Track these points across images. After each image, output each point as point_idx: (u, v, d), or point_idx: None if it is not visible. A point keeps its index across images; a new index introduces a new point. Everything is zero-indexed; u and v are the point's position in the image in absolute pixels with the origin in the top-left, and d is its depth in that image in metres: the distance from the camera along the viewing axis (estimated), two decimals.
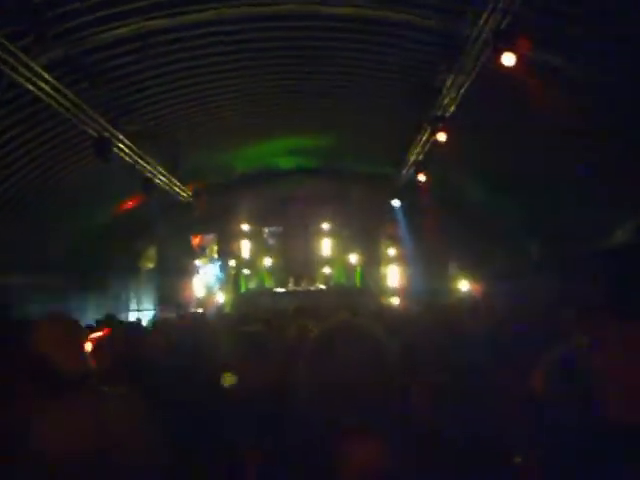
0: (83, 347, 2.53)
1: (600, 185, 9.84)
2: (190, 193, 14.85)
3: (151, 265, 17.47)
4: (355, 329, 1.68)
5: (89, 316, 9.96)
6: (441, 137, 9.83)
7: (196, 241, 17.32)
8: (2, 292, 10.55)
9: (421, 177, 12.18)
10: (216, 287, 17.01)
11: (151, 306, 16.80)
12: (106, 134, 9.51)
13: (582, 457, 1.61)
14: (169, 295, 16.54)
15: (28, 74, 7.36)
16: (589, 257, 10.77)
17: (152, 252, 17.43)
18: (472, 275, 15.04)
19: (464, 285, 15.23)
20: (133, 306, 16.86)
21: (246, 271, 17.31)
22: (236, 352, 3.32)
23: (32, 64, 7.30)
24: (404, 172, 13.35)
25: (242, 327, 4.51)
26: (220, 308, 15.92)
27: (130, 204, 13.94)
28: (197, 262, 17.09)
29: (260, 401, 2.97)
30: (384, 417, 1.55)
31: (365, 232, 16.75)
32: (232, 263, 17.28)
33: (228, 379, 3.15)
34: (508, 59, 7.13)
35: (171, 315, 11.99)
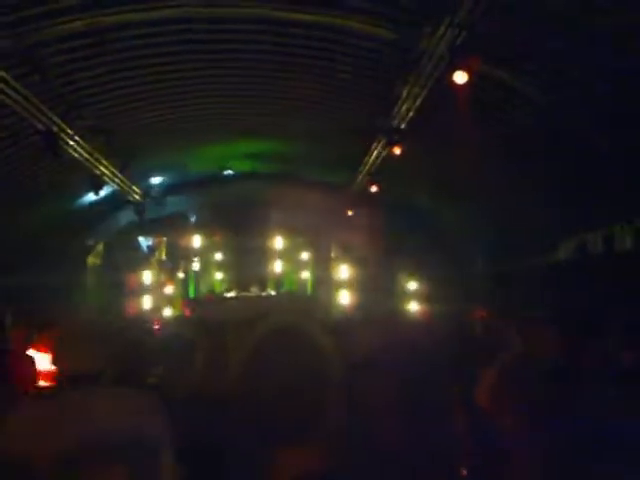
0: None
1: (546, 201, 10.13)
2: (141, 193, 14.61)
3: (98, 264, 17.06)
4: (290, 328, 1.64)
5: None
6: (395, 148, 9.96)
7: (145, 242, 17.02)
8: None
9: (374, 187, 12.30)
10: (164, 290, 16.73)
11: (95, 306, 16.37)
12: (55, 128, 9.28)
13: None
14: (117, 299, 16.18)
15: None
16: (532, 271, 11.10)
17: (99, 251, 17.04)
18: (419, 284, 15.25)
19: (413, 300, 15.42)
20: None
21: (196, 276, 17.09)
22: (157, 357, 3.28)
23: None
24: (358, 181, 13.45)
25: (167, 331, 4.41)
26: (167, 312, 15.68)
27: (78, 201, 13.63)
28: (145, 265, 16.77)
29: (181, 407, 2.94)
30: (321, 425, 1.53)
31: (319, 240, 16.77)
32: (181, 267, 17.04)
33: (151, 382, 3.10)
34: (461, 75, 7.30)
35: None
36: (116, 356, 2.84)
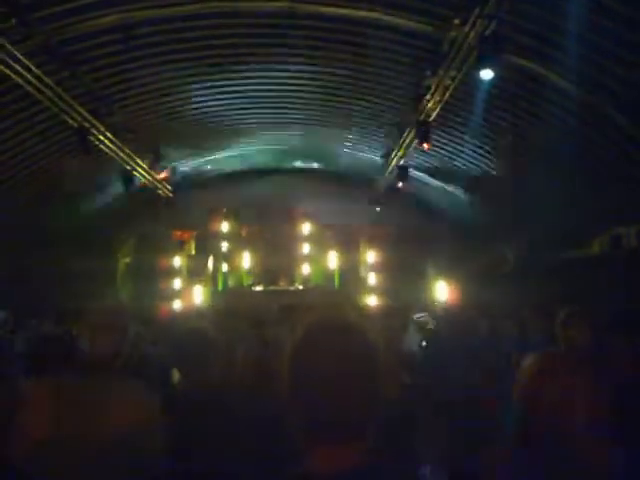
0: (125, 332, 2.74)
1: (580, 195, 9.95)
2: (170, 188, 14.74)
3: (129, 259, 17.29)
4: (342, 323, 1.60)
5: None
6: (423, 142, 9.85)
7: (175, 237, 17.17)
8: None
9: (403, 181, 12.21)
10: (194, 284, 16.87)
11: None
12: (86, 124, 9.39)
13: None
14: (148, 291, 16.37)
15: (8, 60, 7.25)
16: (564, 265, 10.93)
17: (131, 245, 17.25)
18: (449, 280, 15.11)
19: (442, 290, 15.28)
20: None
21: (224, 269, 17.19)
22: (180, 349, 3.35)
23: (13, 50, 7.19)
24: (387, 175, 13.36)
25: (187, 324, 4.51)
26: (197, 305, 15.79)
27: (110, 197, 13.81)
28: (176, 258, 16.93)
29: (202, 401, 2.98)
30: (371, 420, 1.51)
31: (345, 234, 16.71)
32: (210, 260, 17.15)
33: (175, 376, 3.16)
34: (491, 67, 7.20)
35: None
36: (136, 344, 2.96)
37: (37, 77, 7.87)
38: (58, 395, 2.52)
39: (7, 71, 7.39)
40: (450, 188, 13.72)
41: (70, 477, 2.38)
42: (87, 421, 2.44)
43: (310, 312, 1.68)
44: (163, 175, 13.97)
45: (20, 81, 7.71)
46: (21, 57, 7.38)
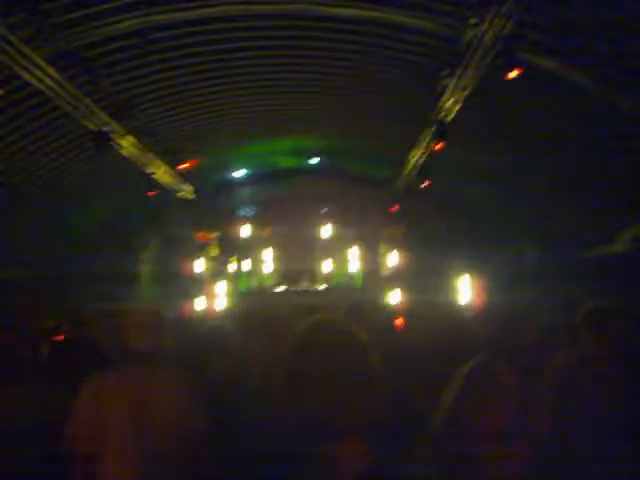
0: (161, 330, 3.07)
1: (602, 192, 9.81)
2: (192, 190, 14.85)
3: (152, 261, 17.45)
4: (333, 329, 1.66)
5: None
6: (441, 142, 9.81)
7: (198, 239, 17.30)
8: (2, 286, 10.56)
9: (421, 181, 12.14)
10: (216, 285, 16.98)
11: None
12: (106, 128, 9.49)
13: None
14: (171, 292, 16.51)
15: (28, 65, 7.35)
16: (589, 263, 10.78)
17: (154, 247, 17.41)
18: (472, 278, 15.00)
19: (464, 289, 15.19)
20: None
21: (246, 270, 17.27)
22: (197, 346, 3.57)
23: (33, 55, 7.29)
24: (405, 176, 13.30)
25: (206, 321, 4.87)
26: (220, 306, 15.89)
27: (131, 199, 13.93)
28: (198, 260, 17.06)
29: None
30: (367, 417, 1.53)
31: (366, 234, 16.69)
32: (233, 261, 17.25)
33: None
34: (509, 66, 7.15)
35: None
36: (171, 341, 3.28)
37: (57, 82, 7.98)
38: (119, 386, 2.82)
39: (27, 76, 7.50)
40: (471, 187, 13.61)
41: (130, 458, 2.68)
42: (143, 406, 2.74)
43: (310, 315, 1.73)
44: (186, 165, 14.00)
45: (40, 86, 7.82)
46: (41, 62, 7.49)
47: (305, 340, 1.63)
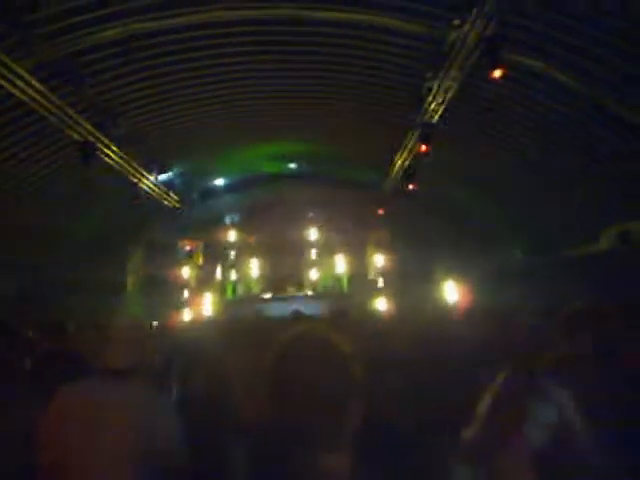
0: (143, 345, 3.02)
1: (584, 191, 9.92)
2: (176, 198, 14.79)
3: (138, 270, 17.34)
4: (315, 340, 1.68)
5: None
6: (426, 144, 9.86)
7: (183, 247, 17.23)
8: None
9: (407, 184, 12.20)
10: (202, 293, 16.91)
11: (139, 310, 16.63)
12: (91, 138, 9.44)
13: None
14: (157, 301, 16.41)
15: (11, 76, 7.30)
16: (573, 262, 10.88)
17: (139, 256, 17.30)
18: (458, 281, 15.07)
19: (450, 291, 15.24)
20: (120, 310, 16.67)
21: (233, 277, 17.23)
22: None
23: (15, 66, 7.24)
24: (391, 179, 13.36)
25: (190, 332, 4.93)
26: (205, 315, 15.82)
27: (116, 209, 13.84)
28: (184, 268, 16.98)
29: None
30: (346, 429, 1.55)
31: (352, 238, 16.72)
32: (218, 269, 17.20)
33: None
34: (493, 66, 7.21)
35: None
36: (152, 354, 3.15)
37: (40, 93, 7.92)
38: (81, 402, 2.77)
39: (10, 88, 7.44)
40: (457, 189, 13.69)
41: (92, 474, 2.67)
42: (104, 425, 2.69)
43: (293, 326, 1.76)
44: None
45: (24, 98, 7.76)
46: (24, 74, 7.43)
47: (287, 351, 1.64)
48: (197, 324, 12.26)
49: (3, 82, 7.29)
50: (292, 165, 15.81)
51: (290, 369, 1.57)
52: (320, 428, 1.51)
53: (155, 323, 11.37)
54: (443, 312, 10.37)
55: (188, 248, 17.15)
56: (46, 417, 2.78)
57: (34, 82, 7.69)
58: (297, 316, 8.95)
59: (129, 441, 2.68)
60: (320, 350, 1.61)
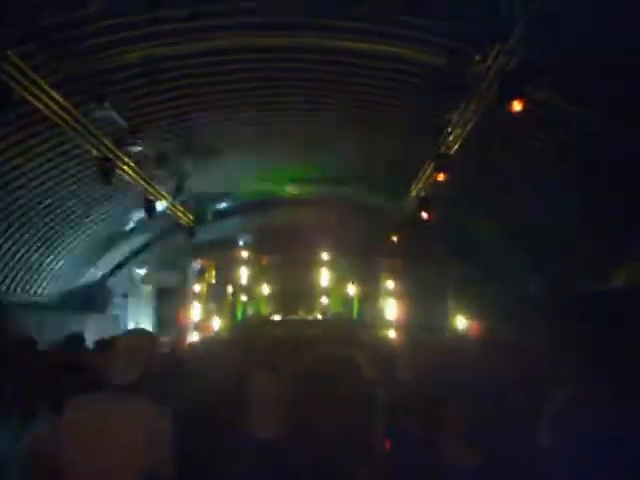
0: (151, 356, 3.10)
1: (601, 229, 9.86)
2: (191, 217, 14.89)
3: (151, 288, 17.39)
4: (341, 364, 1.66)
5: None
6: (443, 174, 9.88)
7: (195, 266, 17.29)
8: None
9: (422, 213, 12.19)
10: (213, 313, 16.93)
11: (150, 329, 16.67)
12: (110, 155, 9.54)
13: None
14: (168, 319, 16.45)
15: (37, 92, 7.42)
16: (588, 299, 10.77)
17: (152, 275, 17.36)
18: (470, 313, 14.98)
19: (462, 323, 15.16)
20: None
21: (243, 298, 17.23)
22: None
23: (41, 82, 7.37)
24: (406, 207, 13.37)
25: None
26: (216, 334, 15.81)
27: (132, 226, 13.96)
28: (196, 286, 17.02)
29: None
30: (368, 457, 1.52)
31: (364, 264, 16.70)
32: (230, 289, 17.22)
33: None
34: (513, 101, 7.24)
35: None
36: (154, 374, 3.18)
37: (63, 108, 8.05)
38: (85, 418, 2.84)
39: (35, 103, 7.56)
40: (473, 221, 13.68)
41: None
42: (103, 439, 2.75)
43: (314, 349, 1.75)
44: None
45: (47, 112, 7.88)
46: (49, 89, 7.57)
47: (311, 373, 1.64)
48: (208, 342, 12.27)
49: (29, 97, 7.41)
50: (306, 188, 15.87)
51: (313, 390, 1.56)
52: (341, 450, 1.49)
53: (164, 338, 11.49)
54: (455, 340, 10.32)
55: (200, 267, 17.21)
56: (55, 432, 2.86)
57: (58, 97, 7.81)
58: (308, 338, 8.98)
59: (129, 456, 2.73)
60: (345, 373, 1.60)
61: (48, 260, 12.43)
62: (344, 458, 1.50)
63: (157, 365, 3.16)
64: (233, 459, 2.91)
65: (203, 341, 13.63)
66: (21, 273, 11.73)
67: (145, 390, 2.96)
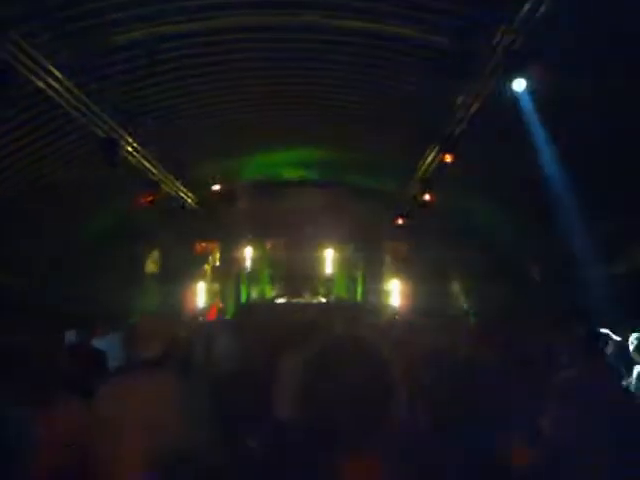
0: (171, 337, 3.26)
1: (606, 210, 9.82)
2: (195, 199, 14.89)
3: (154, 270, 17.43)
4: (356, 343, 1.65)
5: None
6: (448, 156, 9.84)
7: (199, 248, 17.32)
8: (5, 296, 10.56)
9: (426, 195, 12.17)
10: (218, 295, 16.98)
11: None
12: (114, 135, 9.53)
13: None
14: (172, 301, 16.49)
15: (40, 72, 7.40)
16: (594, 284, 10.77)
17: (155, 257, 17.40)
18: (473, 294, 15.02)
19: (465, 303, 15.20)
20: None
21: (248, 281, 17.26)
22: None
23: (45, 62, 7.34)
24: (410, 189, 13.33)
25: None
26: (221, 316, 15.86)
27: (135, 207, 13.94)
28: (200, 269, 17.06)
29: None
30: (384, 436, 1.53)
31: (368, 247, 16.71)
32: (234, 272, 17.25)
33: None
34: (518, 81, 7.22)
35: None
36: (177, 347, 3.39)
37: (67, 89, 8.02)
38: (116, 392, 2.93)
39: (39, 83, 7.54)
40: (475, 202, 13.64)
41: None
42: (135, 418, 2.81)
43: (328, 328, 1.76)
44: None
45: (51, 93, 7.85)
46: (53, 69, 7.54)
47: (326, 350, 1.62)
48: (212, 325, 12.31)
49: (33, 77, 7.38)
50: (310, 172, 15.83)
51: (328, 368, 1.56)
52: (355, 428, 1.50)
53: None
54: (459, 325, 10.32)
55: (205, 249, 17.24)
56: (93, 412, 2.90)
57: (62, 77, 7.78)
58: (312, 321, 9.00)
59: (158, 433, 2.76)
60: (359, 350, 1.60)
61: None
62: (360, 438, 1.51)
63: (178, 343, 3.35)
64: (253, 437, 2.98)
65: (211, 323, 13.66)
66: None
67: (169, 365, 3.09)
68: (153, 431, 2.77)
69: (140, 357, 3.09)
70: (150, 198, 12.17)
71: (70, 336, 7.40)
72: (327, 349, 1.63)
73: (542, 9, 6.20)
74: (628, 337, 5.56)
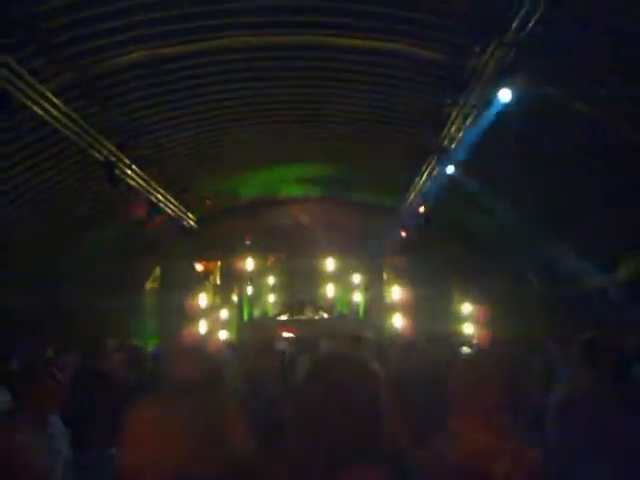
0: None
1: (605, 223, 9.83)
2: (195, 218, 14.90)
3: (155, 289, 17.38)
4: (346, 359, 1.69)
5: None
6: (445, 169, 9.88)
7: (200, 267, 17.28)
8: (6, 313, 10.54)
9: (424, 209, 12.19)
10: (218, 314, 16.91)
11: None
12: (113, 158, 9.56)
13: None
14: (172, 320, 16.41)
15: (37, 97, 7.42)
16: (592, 293, 10.75)
17: (156, 276, 17.36)
18: (475, 308, 14.98)
19: (468, 319, 15.16)
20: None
21: (249, 299, 17.23)
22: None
23: (41, 87, 7.37)
24: (409, 204, 13.34)
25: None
26: (222, 334, 15.81)
27: (134, 228, 13.96)
28: (201, 287, 16.99)
29: None
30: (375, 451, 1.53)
31: (370, 263, 16.68)
32: (235, 290, 17.21)
33: None
34: (511, 93, 7.27)
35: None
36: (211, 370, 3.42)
37: (65, 114, 8.05)
38: (151, 419, 3.00)
39: (35, 108, 7.56)
40: (475, 215, 13.64)
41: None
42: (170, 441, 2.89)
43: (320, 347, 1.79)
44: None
45: (47, 118, 7.87)
46: (49, 95, 7.56)
47: (319, 368, 1.66)
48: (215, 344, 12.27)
49: (29, 103, 7.41)
50: (310, 188, 15.86)
51: (321, 387, 1.57)
52: (350, 445, 1.51)
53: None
54: (460, 343, 10.27)
55: (205, 268, 17.21)
56: (128, 435, 2.97)
57: (59, 103, 7.81)
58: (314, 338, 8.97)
59: (193, 455, 2.83)
60: (352, 370, 1.61)
61: None
62: (351, 449, 1.52)
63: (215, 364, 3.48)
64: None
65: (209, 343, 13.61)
66: None
67: (202, 388, 3.14)
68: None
69: (176, 382, 3.16)
70: (150, 218, 12.20)
71: (73, 357, 7.39)
72: (318, 368, 1.67)
73: (531, 24, 6.24)
74: None
